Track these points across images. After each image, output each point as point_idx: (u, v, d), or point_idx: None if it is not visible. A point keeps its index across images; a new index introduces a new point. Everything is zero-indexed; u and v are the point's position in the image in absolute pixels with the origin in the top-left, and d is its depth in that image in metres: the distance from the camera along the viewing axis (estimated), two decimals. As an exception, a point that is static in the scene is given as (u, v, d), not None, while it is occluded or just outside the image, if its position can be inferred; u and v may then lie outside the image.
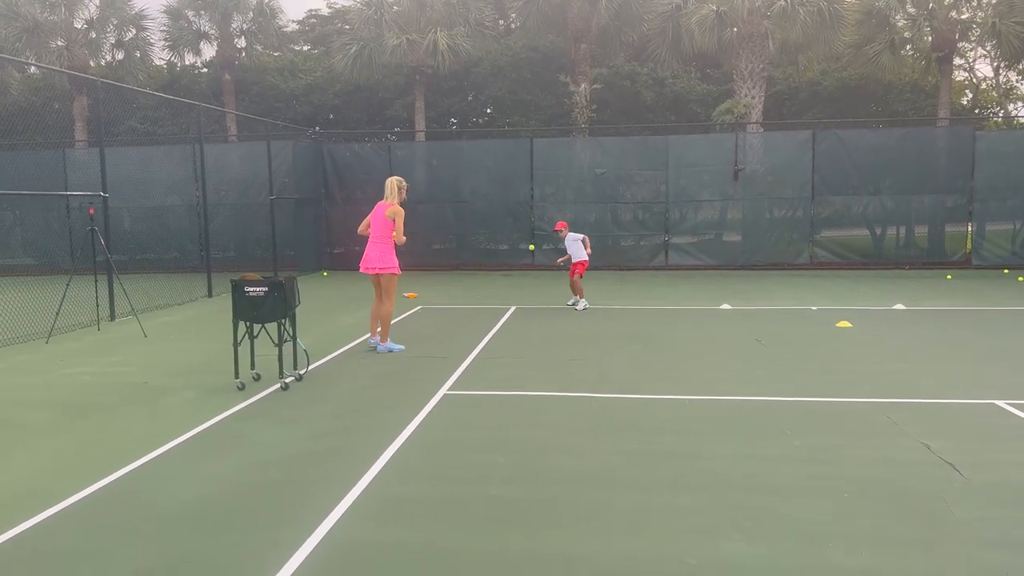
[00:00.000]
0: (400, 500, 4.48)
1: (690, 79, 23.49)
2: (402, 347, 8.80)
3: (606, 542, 3.87)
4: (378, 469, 4.96)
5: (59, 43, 22.04)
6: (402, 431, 5.75)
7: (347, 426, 5.99)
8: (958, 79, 24.95)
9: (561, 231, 12.08)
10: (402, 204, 8.67)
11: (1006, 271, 16.73)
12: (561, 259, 12.41)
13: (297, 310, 7.38)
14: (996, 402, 6.32)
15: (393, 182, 8.67)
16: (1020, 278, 15.43)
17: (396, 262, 8.63)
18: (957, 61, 23.45)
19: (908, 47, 20.90)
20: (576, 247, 11.77)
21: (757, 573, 3.54)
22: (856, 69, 21.43)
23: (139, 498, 4.56)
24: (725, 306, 11.96)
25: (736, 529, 3.99)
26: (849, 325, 10.03)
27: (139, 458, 5.21)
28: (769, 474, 4.78)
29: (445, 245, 19.21)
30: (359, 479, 4.76)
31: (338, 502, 4.41)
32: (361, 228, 8.87)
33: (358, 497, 4.50)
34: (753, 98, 19.30)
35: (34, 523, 4.17)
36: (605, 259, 17.96)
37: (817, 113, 22.13)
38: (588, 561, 3.68)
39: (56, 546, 3.93)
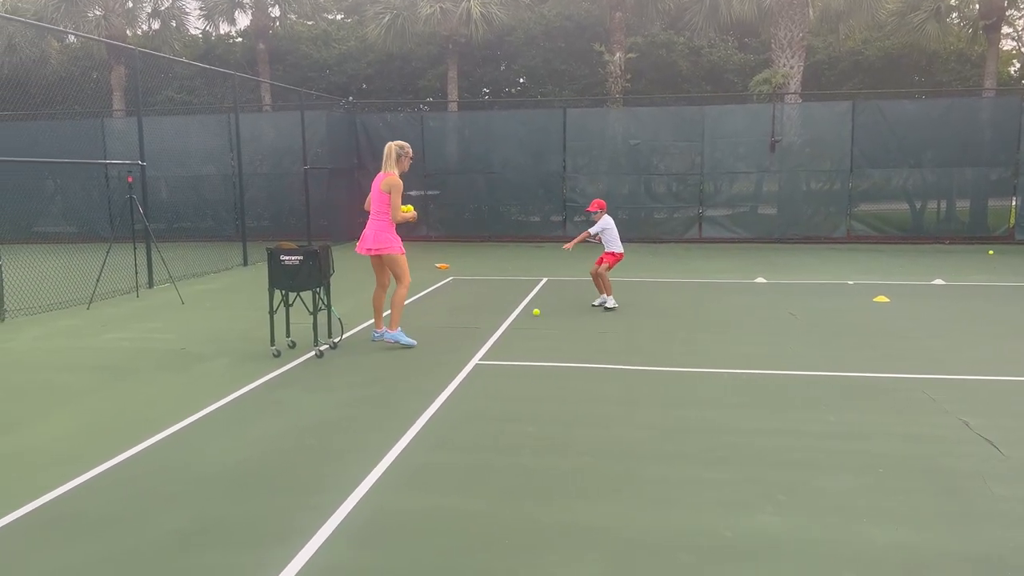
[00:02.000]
0: (432, 468, 4.52)
1: (727, 48, 23.03)
2: (414, 342, 7.49)
3: (637, 513, 3.87)
4: (411, 437, 5.00)
5: (97, 12, 22.22)
6: (434, 400, 5.79)
7: (380, 394, 6.04)
8: (1006, 48, 24.17)
9: (595, 212, 9.74)
10: (403, 175, 7.45)
11: (1051, 247, 16.30)
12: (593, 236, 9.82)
13: (331, 279, 7.43)
14: (1038, 380, 6.18)
15: (391, 148, 7.38)
16: (1066, 254, 15.02)
17: (397, 241, 7.37)
18: (1005, 30, 22.69)
19: (954, 15, 20.29)
20: (611, 235, 9.62)
21: (791, 546, 3.52)
22: (899, 38, 20.84)
23: (175, 462, 4.65)
24: (760, 279, 11.82)
25: (769, 502, 3.97)
26: (887, 300, 9.86)
27: (176, 423, 5.31)
28: (803, 449, 4.74)
29: (476, 216, 19.18)
30: (392, 446, 4.81)
31: (371, 469, 4.46)
32: (366, 203, 7.64)
33: (391, 464, 4.55)
34: (792, 68, 18.86)
35: (73, 485, 4.28)
36: (638, 231, 17.82)
37: (858, 83, 21.61)
38: (618, 532, 3.68)
39: (94, 508, 4.03)
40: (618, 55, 20.31)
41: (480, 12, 19.70)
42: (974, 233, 17.23)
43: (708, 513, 3.86)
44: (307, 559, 3.45)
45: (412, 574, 3.34)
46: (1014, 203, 17.10)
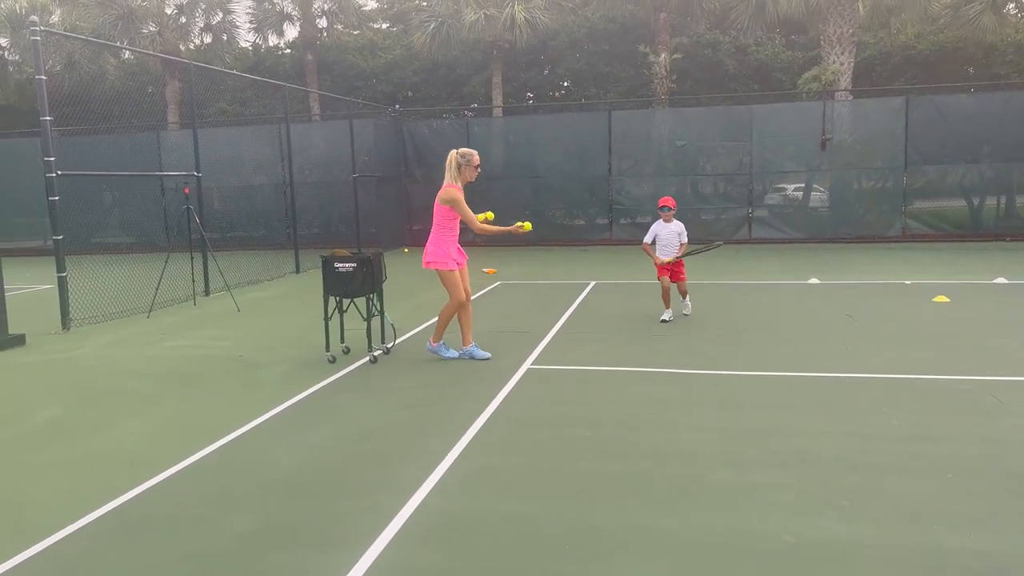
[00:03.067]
0: (491, 471, 4.54)
1: (774, 46, 22.72)
2: (455, 354, 7.29)
3: (698, 517, 3.84)
4: (467, 441, 5.03)
5: (151, 28, 22.84)
6: (488, 404, 5.82)
7: (435, 399, 6.10)
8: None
9: (667, 208, 8.86)
10: (466, 185, 7.05)
11: (1119, 242, 15.72)
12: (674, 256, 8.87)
13: (384, 285, 7.52)
14: (1112, 381, 5.97)
15: (452, 157, 6.93)
16: None
17: (446, 256, 6.94)
18: (1066, 19, 21.97)
19: (1011, 5, 19.70)
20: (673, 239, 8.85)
21: (858, 552, 3.45)
22: (954, 31, 20.31)
23: (240, 465, 4.75)
24: (813, 280, 11.62)
25: (833, 508, 3.90)
26: (947, 300, 9.62)
27: (238, 428, 5.43)
28: (867, 452, 4.64)
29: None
30: (449, 450, 4.85)
31: (430, 472, 4.50)
32: None
33: (449, 468, 4.58)
34: (842, 64, 18.53)
35: (146, 487, 4.40)
36: (687, 233, 17.64)
37: (910, 79, 21.12)
38: (681, 536, 3.66)
39: (166, 509, 4.14)
40: (663, 56, 20.20)
41: (524, 17, 19.77)
42: (1036, 230, 16.70)
43: (771, 518, 3.81)
44: (372, 560, 3.50)
45: (476, 577, 3.36)
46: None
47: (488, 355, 7.23)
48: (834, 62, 18.51)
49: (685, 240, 8.91)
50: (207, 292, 11.97)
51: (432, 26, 20.84)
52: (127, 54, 25.24)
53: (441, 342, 7.32)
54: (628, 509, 3.97)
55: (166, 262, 10.59)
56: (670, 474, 4.40)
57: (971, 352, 7.04)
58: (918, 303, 9.56)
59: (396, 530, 3.79)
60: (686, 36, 22.05)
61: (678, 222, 8.94)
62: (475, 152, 7.01)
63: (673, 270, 8.88)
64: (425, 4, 23.70)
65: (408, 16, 25.10)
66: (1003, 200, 17.24)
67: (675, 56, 20.51)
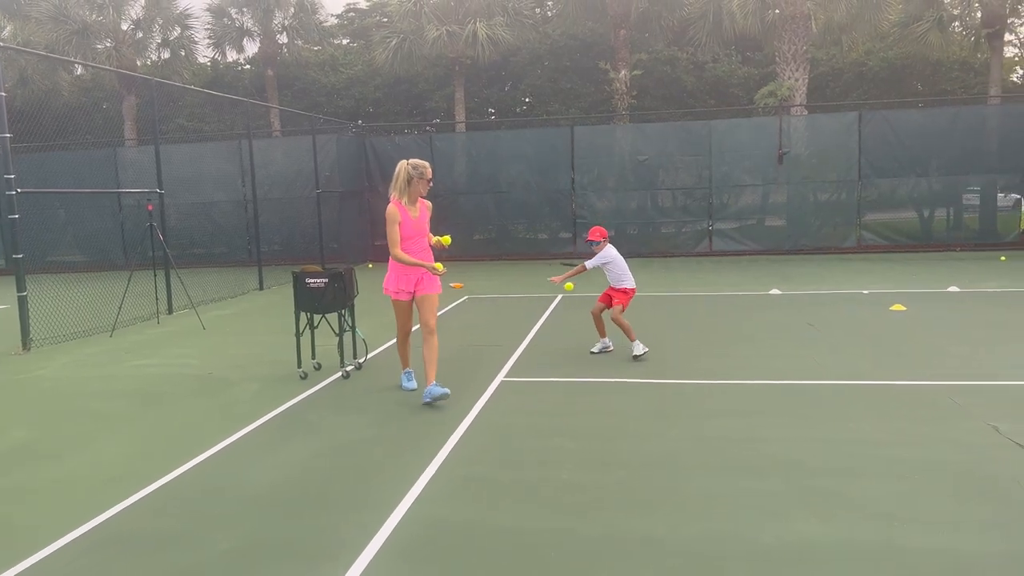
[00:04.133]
0: (473, 483, 4.58)
1: (731, 63, 23.25)
2: (414, 385, 6.75)
3: (681, 524, 3.93)
4: (446, 453, 5.07)
5: (107, 44, 22.53)
6: (465, 417, 5.86)
7: (410, 412, 6.11)
8: (1008, 55, 24.33)
9: (596, 243, 8.00)
10: (412, 199, 6.22)
11: (1062, 251, 16.34)
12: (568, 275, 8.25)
13: (355, 300, 7.53)
14: (1063, 383, 6.23)
15: (402, 168, 6.17)
16: (1077, 258, 15.06)
17: (388, 280, 6.42)
18: (1007, 37, 22.86)
19: (956, 24, 20.44)
20: (619, 268, 7.99)
21: (834, 553, 3.57)
22: (902, 48, 21.04)
23: (220, 482, 4.72)
24: (774, 291, 11.88)
25: (808, 511, 4.02)
26: (903, 308, 9.91)
27: (215, 445, 5.39)
28: (836, 457, 4.79)
29: (486, 235, 19.32)
30: (429, 463, 4.88)
31: (411, 485, 4.52)
32: None
33: (430, 480, 4.61)
34: (796, 80, 19.05)
35: (125, 506, 4.36)
36: (648, 247, 17.96)
37: (862, 94, 21.76)
38: (664, 542, 3.74)
39: (148, 528, 4.10)
40: (623, 72, 20.53)
41: (486, 33, 19.95)
42: (984, 240, 17.29)
43: (750, 521, 3.92)
44: (360, 573, 3.51)
45: (465, 587, 3.40)
46: None
47: (446, 391, 6.18)
48: (789, 78, 19.01)
49: (588, 264, 8.11)
50: (170, 311, 11.81)
51: (394, 42, 20.91)
52: (80, 70, 24.84)
53: (405, 371, 6.82)
54: (612, 517, 4.04)
55: (129, 280, 10.44)
56: (650, 482, 4.49)
57: (928, 358, 7.28)
58: (876, 311, 9.84)
59: (381, 543, 3.82)
60: (645, 52, 22.44)
61: (610, 249, 8.04)
62: (427, 164, 6.24)
63: (607, 293, 8.10)
64: (386, 20, 23.75)
65: (369, 32, 25.14)
66: (952, 211, 17.82)
67: (635, 72, 20.86)
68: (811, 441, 5.09)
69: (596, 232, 8.06)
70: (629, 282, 7.98)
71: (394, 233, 6.14)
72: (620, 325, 7.76)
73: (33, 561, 3.73)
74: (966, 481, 4.35)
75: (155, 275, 11.06)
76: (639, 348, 7.66)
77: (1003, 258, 15.57)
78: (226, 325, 10.77)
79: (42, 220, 18.77)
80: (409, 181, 6.14)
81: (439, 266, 6.25)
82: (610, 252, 7.98)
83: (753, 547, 3.64)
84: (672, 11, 21.22)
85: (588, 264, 8.06)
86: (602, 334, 8.08)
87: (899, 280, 12.79)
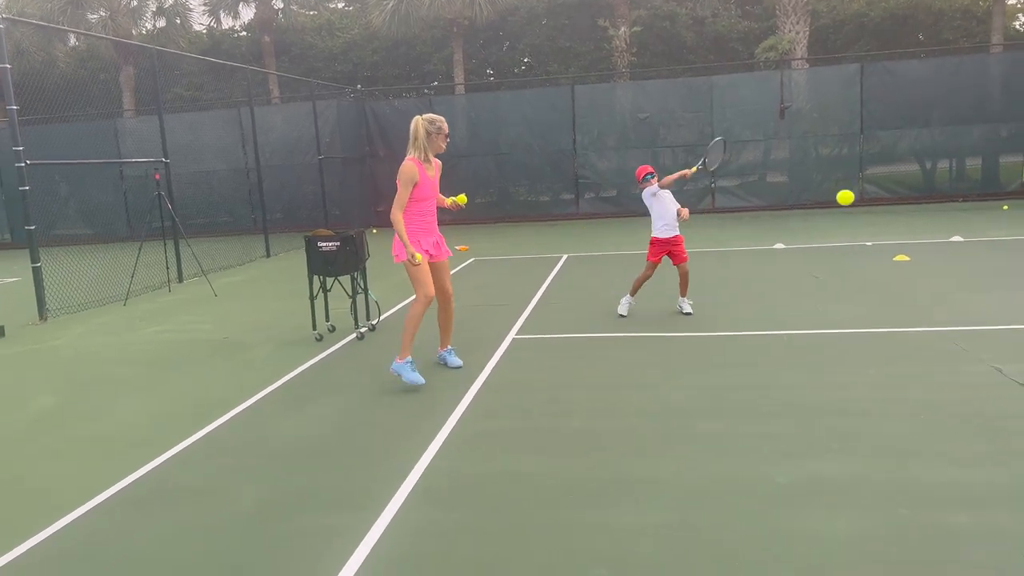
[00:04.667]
0: (490, 434, 4.72)
1: (731, 17, 23.02)
2: (420, 380, 5.68)
3: (692, 465, 4.07)
4: (463, 408, 5.21)
5: (101, 13, 22.33)
6: (479, 374, 5.99)
7: (426, 372, 6.22)
8: (1010, 2, 24.05)
9: (651, 175, 7.61)
10: (425, 158, 5.76)
11: (1065, 199, 16.36)
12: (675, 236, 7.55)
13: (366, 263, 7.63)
14: (1065, 326, 6.34)
15: (418, 123, 5.74)
16: (1080, 206, 15.10)
17: (398, 246, 5.73)
18: (1010, -16, 22.60)
19: (959, -28, 20.20)
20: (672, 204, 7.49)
21: (843, 488, 3.71)
22: (904, -2, 20.79)
23: (247, 439, 4.87)
24: (779, 245, 11.96)
25: (820, 451, 4.16)
26: (907, 259, 10.00)
27: (239, 405, 5.53)
28: (846, 400, 4.92)
29: (488, 198, 19.32)
30: (447, 417, 5.01)
31: (433, 437, 4.66)
32: None
33: (451, 432, 4.75)
34: (797, 33, 18.89)
35: (155, 465, 4.50)
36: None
37: (864, 46, 21.58)
38: (676, 482, 3.88)
39: (182, 482, 4.25)
40: (623, 29, 20.36)
41: (483, -7, 19.75)
42: (987, 189, 17.30)
43: (762, 462, 4.05)
44: (389, 519, 3.66)
45: (491, 530, 3.55)
46: (1027, 158, 17.17)
47: (460, 363, 6.24)
48: (790, 31, 18.85)
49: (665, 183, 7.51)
50: (180, 279, 11.92)
51: (391, 4, 20.72)
52: (74, 41, 24.64)
53: (408, 359, 5.71)
54: (627, 461, 4.19)
55: (140, 249, 10.54)
56: (661, 428, 4.63)
57: (933, 305, 7.38)
58: (880, 262, 9.93)
59: (408, 491, 3.96)
60: (644, 9, 22.22)
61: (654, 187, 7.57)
62: (443, 118, 5.85)
63: (672, 250, 7.51)
64: (381, -18, 23.46)
65: (365, -5, 24.86)
66: (954, 162, 17.80)
67: (634, 29, 20.68)
68: (820, 386, 5.22)
69: (644, 168, 7.72)
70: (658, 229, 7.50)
71: (404, 194, 5.65)
72: (686, 274, 7.52)
73: (72, 518, 3.88)
74: (971, 420, 4.48)
75: (164, 244, 11.15)
76: (687, 305, 7.55)
77: (1005, 207, 15.61)
78: (237, 292, 10.89)
79: (46, 193, 18.80)
80: (428, 136, 5.73)
81: (462, 198, 6.30)
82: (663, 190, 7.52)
83: (768, 486, 3.78)
84: (671, -35, 20.96)
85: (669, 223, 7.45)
86: (683, 292, 7.63)
87: (902, 232, 12.85)
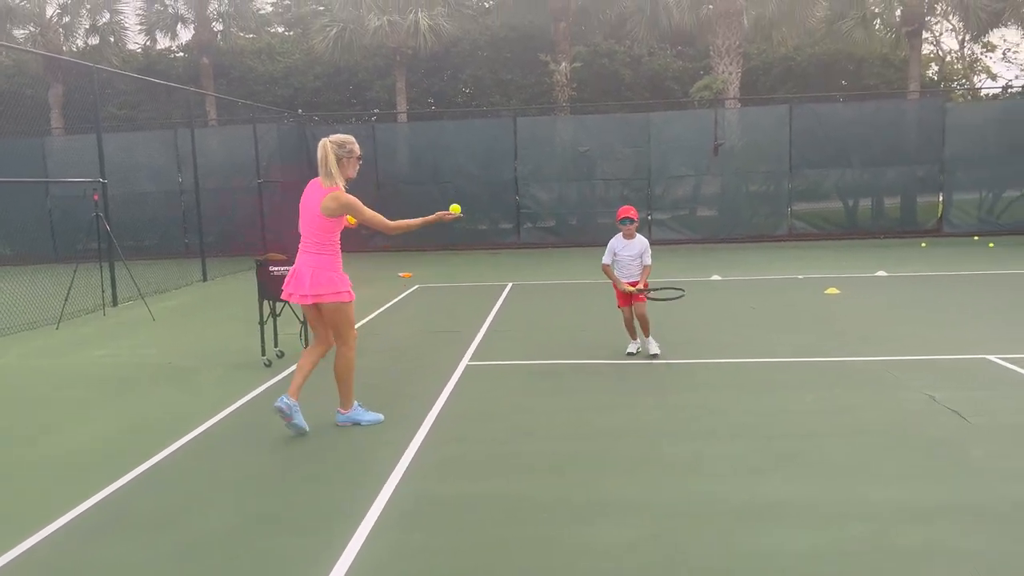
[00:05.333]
0: (455, 459, 4.77)
1: (666, 57, 23.82)
2: (380, 416, 5.52)
3: (660, 485, 4.21)
4: (424, 434, 5.23)
5: (30, 29, 21.70)
6: (436, 400, 6.02)
7: (380, 397, 6.22)
8: (925, 52, 25.59)
9: (633, 220, 7.24)
10: (350, 185, 5.23)
11: (976, 238, 17.35)
12: (633, 282, 7.16)
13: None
14: (987, 356, 6.75)
15: (327, 147, 5.10)
16: (991, 244, 16.05)
17: (345, 282, 5.21)
18: (924, 35, 24.05)
19: (878, 21, 21.41)
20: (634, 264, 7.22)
21: (799, 508, 3.89)
22: (829, 44, 21.93)
23: (205, 464, 4.80)
24: (715, 277, 12.36)
25: (773, 472, 4.35)
26: (837, 292, 10.47)
27: (192, 430, 5.43)
28: (793, 424, 5.16)
29: (430, 226, 19.30)
30: (409, 442, 5.03)
31: (396, 463, 4.67)
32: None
33: (413, 458, 4.77)
34: (730, 74, 19.67)
35: (113, 489, 4.39)
36: (589, 236, 18.28)
37: (791, 88, 22.60)
38: (647, 504, 4.00)
39: (143, 507, 4.16)
40: (563, 64, 20.83)
41: (428, 24, 19.97)
42: (906, 227, 18.23)
43: (723, 482, 4.22)
44: (361, 543, 3.67)
45: (465, 550, 3.59)
46: (941, 198, 18.18)
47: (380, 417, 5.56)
48: (723, 72, 19.61)
49: (649, 262, 7.22)
50: (115, 302, 11.59)
51: (334, 31, 20.73)
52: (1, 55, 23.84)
53: (356, 403, 5.53)
54: (595, 482, 4.30)
55: (75, 271, 10.23)
56: (626, 450, 4.77)
57: (866, 336, 7.77)
58: (813, 295, 10.37)
59: (376, 515, 3.97)
60: (584, 45, 22.81)
61: (642, 239, 7.25)
62: (353, 139, 5.24)
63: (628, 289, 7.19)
64: (323, 9, 23.49)
65: (306, 21, 24.83)
66: (875, 201, 18.72)
67: (575, 64, 21.19)
68: (769, 411, 5.45)
69: (626, 211, 7.26)
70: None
71: (371, 212, 5.24)
72: (645, 320, 7.13)
73: (27, 546, 3.75)
74: (911, 442, 4.75)
75: (101, 266, 10.85)
76: (654, 345, 7.18)
77: (924, 244, 16.48)
78: (176, 316, 10.65)
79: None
80: (340, 161, 5.12)
81: (456, 207, 5.74)
82: (643, 242, 7.27)
83: (730, 505, 3.94)
84: (610, 5, 21.64)
85: (647, 261, 7.24)
86: (642, 334, 7.24)
87: (830, 266, 13.43)
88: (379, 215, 5.35)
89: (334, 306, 5.19)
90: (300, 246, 5.24)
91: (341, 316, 5.25)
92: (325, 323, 5.34)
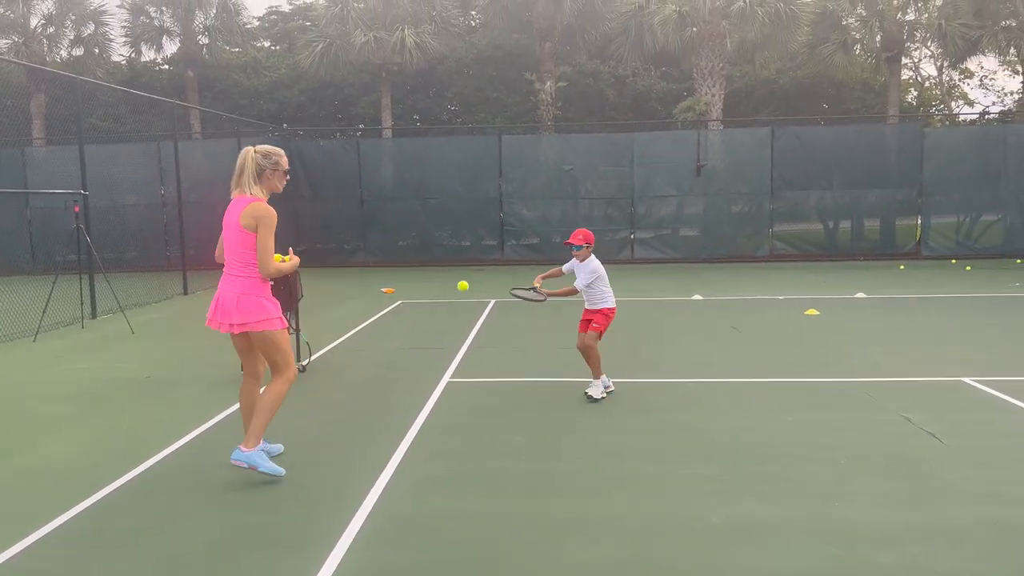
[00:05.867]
0: (433, 477, 4.76)
1: (650, 77, 24.07)
2: (280, 471, 4.67)
3: (638, 505, 4.23)
4: (403, 451, 5.22)
5: (14, 39, 21.60)
6: (416, 416, 6.02)
7: (361, 413, 6.23)
8: (903, 78, 26.01)
9: (581, 247, 6.48)
10: (274, 200, 4.73)
11: (954, 261, 17.61)
12: (551, 293, 6.50)
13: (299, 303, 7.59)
14: (963, 379, 6.84)
15: (249, 156, 4.66)
16: (968, 267, 16.28)
17: (273, 308, 4.66)
18: (903, 60, 24.45)
19: (858, 47, 21.76)
20: (603, 283, 6.55)
21: (775, 528, 3.92)
22: (810, 68, 22.25)
23: (184, 479, 4.76)
24: (696, 296, 12.44)
25: (750, 492, 4.38)
26: (817, 312, 10.57)
27: (171, 444, 5.39)
28: (770, 444, 5.19)
29: (412, 241, 19.38)
30: (388, 460, 5.02)
31: (376, 479, 4.67)
32: (218, 251, 4.90)
33: (392, 476, 4.76)
34: (713, 96, 19.90)
35: (89, 504, 4.35)
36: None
37: (773, 111, 22.89)
38: (625, 521, 4.02)
39: (113, 525, 4.12)
40: (548, 83, 20.99)
41: (414, 41, 20.09)
42: (885, 250, 18.47)
43: (699, 503, 4.24)
44: (339, 559, 3.66)
45: (446, 569, 3.59)
46: (919, 221, 18.44)
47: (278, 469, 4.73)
48: (706, 93, 19.85)
49: (577, 286, 6.46)
50: (94, 314, 11.49)
51: (320, 47, 20.80)
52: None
53: (259, 446, 4.69)
54: (573, 501, 4.31)
55: (54, 283, 10.14)
56: (605, 470, 4.78)
57: (844, 357, 7.85)
58: (792, 315, 10.47)
59: (355, 532, 3.96)
60: (569, 65, 23.00)
61: (591, 264, 6.49)
62: (281, 151, 4.84)
63: (584, 317, 6.55)
64: (310, 25, 23.58)
65: (292, 35, 24.90)
66: (855, 223, 18.96)
67: (560, 84, 21.35)
68: (746, 432, 5.48)
69: (582, 235, 6.47)
70: (611, 301, 6.57)
71: (271, 240, 4.55)
72: (591, 355, 6.38)
73: (4, 559, 3.72)
74: (887, 464, 4.80)
75: (80, 279, 10.77)
76: (599, 388, 6.38)
77: (902, 267, 16.68)
78: (155, 329, 10.58)
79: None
80: (260, 174, 4.65)
81: (289, 258, 5.24)
82: (598, 264, 6.51)
83: (705, 525, 3.96)
84: (595, 25, 21.82)
85: (579, 285, 6.36)
86: (597, 372, 6.46)
87: (810, 287, 13.57)
88: (272, 250, 4.56)
89: (263, 335, 4.62)
90: (224, 270, 4.72)
91: (272, 345, 4.66)
92: (256, 354, 4.87)
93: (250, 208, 4.55)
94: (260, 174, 4.66)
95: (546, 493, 4.44)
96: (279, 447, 5.17)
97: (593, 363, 6.43)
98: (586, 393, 6.42)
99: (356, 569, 3.57)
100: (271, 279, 4.71)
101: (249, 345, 4.80)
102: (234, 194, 4.68)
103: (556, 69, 21.39)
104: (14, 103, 22.91)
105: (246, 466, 4.60)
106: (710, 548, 3.71)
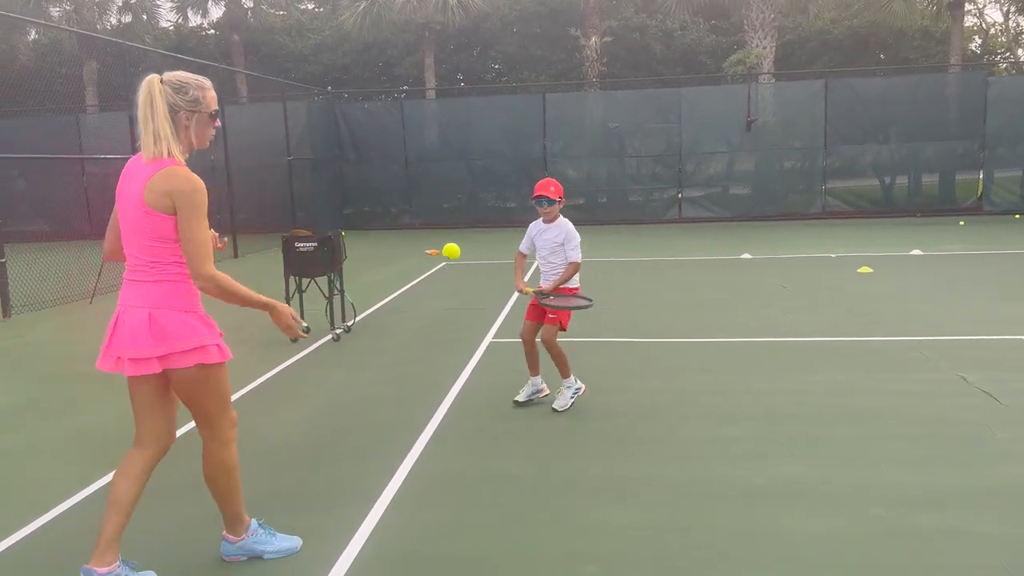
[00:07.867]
0: (474, 435, 4.77)
1: (699, 31, 23.41)
2: (296, 544, 3.42)
3: (676, 466, 4.17)
4: (445, 410, 5.24)
5: (66, 7, 21.94)
6: (458, 376, 6.03)
7: (404, 373, 6.27)
8: (967, 25, 24.84)
9: (554, 200, 5.33)
10: (192, 155, 3.09)
11: (1017, 216, 16.92)
12: (561, 289, 5.41)
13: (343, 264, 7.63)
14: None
15: (153, 87, 2.89)
16: (1032, 223, 15.65)
17: (208, 328, 3.16)
18: (967, 7, 23.33)
19: (919, -8, 20.85)
20: (564, 257, 5.35)
21: (822, 488, 3.83)
22: (867, 17, 21.37)
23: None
24: (746, 255, 12.20)
25: (791, 453, 4.28)
26: (871, 270, 10.27)
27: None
28: (815, 406, 5.07)
29: (457, 203, 19.33)
30: (429, 419, 5.04)
31: (417, 437, 4.69)
32: (109, 243, 3.22)
33: (433, 434, 4.78)
34: (764, 48, 19.28)
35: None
36: (619, 214, 18.18)
37: (827, 62, 22.11)
38: (662, 482, 3.97)
39: (162, 480, 4.21)
40: (593, 39, 20.58)
41: (456, -1, 19.84)
42: (943, 205, 17.82)
43: (738, 465, 4.16)
44: (378, 518, 3.69)
45: (481, 528, 3.60)
46: (981, 175, 17.72)
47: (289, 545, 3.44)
48: (757, 46, 19.23)
49: (574, 258, 5.32)
50: (147, 277, 11.73)
51: (362, 6, 20.69)
52: (34, 34, 24.15)
53: (254, 522, 3.43)
54: (608, 462, 4.27)
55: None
56: (641, 432, 4.73)
57: (898, 316, 7.62)
58: (845, 274, 10.19)
59: (395, 490, 3.99)
60: (614, 20, 22.49)
61: (565, 224, 5.35)
62: (204, 80, 3.13)
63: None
64: (353, -16, 23.41)
65: (336, -4, 24.80)
66: (912, 178, 18.31)
67: (605, 39, 20.91)
68: (790, 392, 5.36)
69: (551, 185, 5.30)
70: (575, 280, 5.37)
71: (205, 228, 2.97)
72: (556, 353, 5.18)
73: (53, 515, 3.84)
74: (939, 424, 4.64)
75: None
76: (567, 396, 5.15)
77: (962, 223, 16.09)
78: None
79: (1, 188, 18.35)
80: (174, 116, 2.97)
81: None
82: (572, 226, 5.35)
83: (747, 487, 3.89)
84: (642, -23, 21.27)
85: (575, 255, 5.33)
86: (535, 370, 5.33)
87: (864, 244, 13.19)
88: (207, 246, 2.96)
89: (196, 373, 3.04)
90: (125, 273, 3.10)
91: (206, 390, 3.12)
92: (169, 406, 3.23)
93: (160, 177, 2.87)
94: (174, 115, 2.96)
95: (582, 454, 4.41)
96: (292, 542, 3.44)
97: (559, 361, 5.17)
98: (553, 408, 5.11)
99: (396, 527, 3.60)
100: (212, 291, 3.02)
101: (162, 391, 3.15)
102: (141, 157, 2.95)
103: (601, 24, 20.93)
104: (68, 71, 23.37)
105: (245, 557, 3.36)
106: (750, 509, 3.64)
